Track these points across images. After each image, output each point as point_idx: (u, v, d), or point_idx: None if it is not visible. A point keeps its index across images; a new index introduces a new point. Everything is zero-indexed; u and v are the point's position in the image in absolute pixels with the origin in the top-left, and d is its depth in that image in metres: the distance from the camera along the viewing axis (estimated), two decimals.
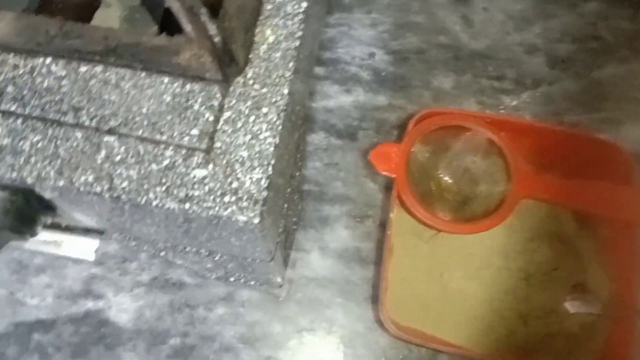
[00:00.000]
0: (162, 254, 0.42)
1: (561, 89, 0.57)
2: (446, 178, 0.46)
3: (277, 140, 0.28)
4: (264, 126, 0.29)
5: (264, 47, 0.30)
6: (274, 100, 0.29)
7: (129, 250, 0.52)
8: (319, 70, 0.57)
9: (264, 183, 0.28)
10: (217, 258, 0.39)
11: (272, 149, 0.28)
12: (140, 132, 0.29)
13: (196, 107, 0.29)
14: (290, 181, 0.39)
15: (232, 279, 0.49)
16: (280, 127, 0.29)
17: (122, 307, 0.50)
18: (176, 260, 0.44)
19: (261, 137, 0.28)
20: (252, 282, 0.49)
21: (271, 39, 0.30)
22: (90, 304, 0.50)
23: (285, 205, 0.39)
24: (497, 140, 0.44)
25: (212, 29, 0.27)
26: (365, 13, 0.60)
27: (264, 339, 0.49)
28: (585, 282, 0.45)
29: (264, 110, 0.29)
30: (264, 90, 0.29)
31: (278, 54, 0.30)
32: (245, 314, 0.50)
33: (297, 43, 0.30)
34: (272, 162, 0.28)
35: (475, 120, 0.45)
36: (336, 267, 0.51)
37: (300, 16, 0.31)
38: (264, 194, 0.27)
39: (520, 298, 0.45)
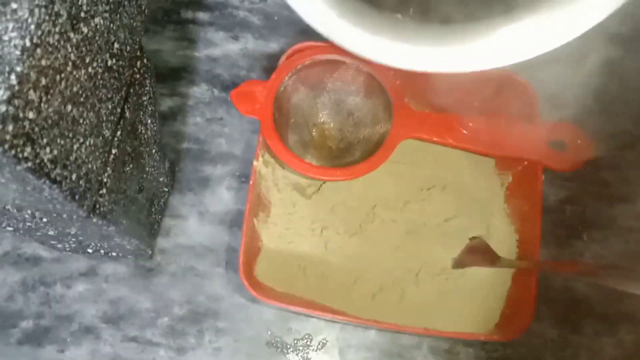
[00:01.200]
0: None
1: None
2: (328, 122, 0.40)
3: (27, 42, 0.22)
4: (10, 25, 0.22)
5: None
6: None
7: None
8: (202, 15, 0.51)
9: (2, 95, 0.21)
10: (29, 215, 0.32)
11: (17, 52, 0.22)
12: None
13: None
14: (114, 121, 0.32)
15: (90, 250, 0.43)
16: (33, 27, 0.22)
17: None
18: (5, 227, 0.37)
19: (5, 38, 0.22)
20: (114, 254, 0.43)
21: None
22: None
23: (114, 152, 0.33)
24: (377, 75, 0.38)
25: None
26: None
27: (130, 317, 0.43)
28: (486, 233, 0.40)
29: (13, 5, 0.22)
30: None
31: None
32: (109, 290, 0.43)
33: None
34: (19, 69, 0.22)
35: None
36: (216, 234, 0.45)
37: None
38: (3, 108, 0.21)
39: (410, 254, 0.39)
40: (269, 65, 0.50)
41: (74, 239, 0.40)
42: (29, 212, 0.32)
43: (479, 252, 0.39)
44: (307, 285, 0.39)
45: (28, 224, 0.36)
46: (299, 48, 0.39)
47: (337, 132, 0.41)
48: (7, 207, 0.32)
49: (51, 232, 0.39)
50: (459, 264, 0.39)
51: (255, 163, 0.39)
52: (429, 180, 0.41)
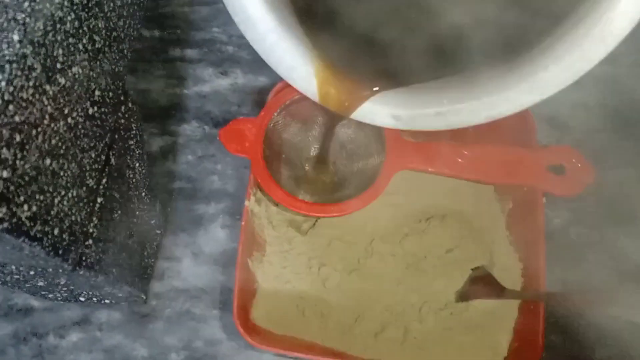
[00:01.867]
0: None
1: None
2: (321, 157, 0.39)
3: None
4: None
5: None
6: None
7: None
8: (191, 52, 0.51)
9: None
10: (15, 270, 0.31)
11: None
12: None
13: None
14: (98, 169, 0.31)
15: (82, 299, 0.41)
16: (3, 83, 0.22)
17: None
18: None
19: None
20: (107, 301, 0.42)
21: None
22: None
23: (100, 201, 0.32)
24: None
25: None
26: None
27: None
28: (489, 263, 0.38)
29: None
30: None
31: None
32: (104, 338, 0.42)
33: None
34: None
35: None
36: (211, 274, 0.44)
37: None
38: None
39: (411, 289, 0.38)
40: (260, 99, 0.49)
41: (64, 289, 0.39)
42: (13, 267, 0.31)
43: (482, 284, 0.38)
44: (306, 327, 0.38)
45: (16, 276, 0.35)
46: (287, 83, 0.38)
47: (331, 165, 0.40)
48: None
49: (40, 283, 0.37)
50: (463, 296, 0.38)
51: (246, 202, 0.38)
52: (426, 211, 0.40)
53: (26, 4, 0.23)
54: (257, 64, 0.51)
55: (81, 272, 0.31)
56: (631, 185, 0.47)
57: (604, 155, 0.48)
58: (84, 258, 0.31)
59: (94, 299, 0.41)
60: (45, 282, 0.37)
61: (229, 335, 0.42)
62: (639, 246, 0.45)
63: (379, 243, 0.39)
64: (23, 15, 0.23)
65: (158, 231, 0.43)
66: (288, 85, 0.36)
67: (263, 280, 0.39)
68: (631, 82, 0.50)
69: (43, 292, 0.40)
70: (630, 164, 0.48)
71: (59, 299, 0.42)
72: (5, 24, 0.22)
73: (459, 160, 0.37)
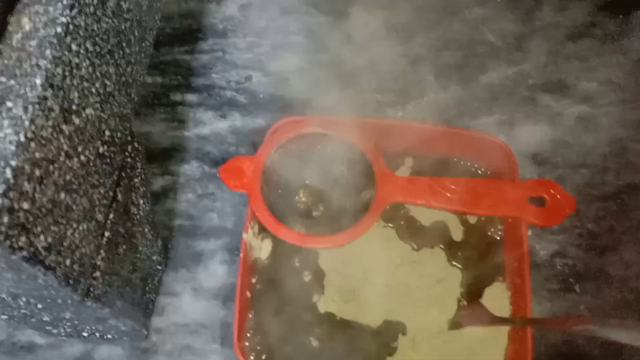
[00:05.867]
0: None
1: (449, 96, 0.54)
2: (314, 192, 0.41)
3: (21, 137, 0.23)
4: (6, 122, 0.23)
5: (18, 36, 0.26)
6: (22, 92, 0.24)
7: None
8: (191, 97, 0.53)
9: None
10: (24, 302, 0.33)
11: (12, 147, 0.23)
12: None
13: None
14: (106, 204, 0.33)
15: (85, 334, 0.42)
16: (27, 123, 0.24)
17: None
18: (1, 315, 0.37)
19: (0, 134, 0.23)
20: (109, 336, 0.43)
21: (27, 27, 0.26)
22: None
23: (107, 235, 0.33)
24: (359, 144, 0.40)
25: None
26: (240, 37, 0.57)
27: None
28: (479, 293, 0.40)
29: (9, 104, 0.24)
30: (12, 82, 0.24)
31: (34, 42, 0.25)
32: None
33: (60, 29, 0.26)
34: (13, 163, 0.23)
35: (337, 126, 0.41)
36: (211, 309, 0.45)
37: (65, 1, 0.26)
38: None
39: (405, 318, 0.39)
40: (257, 139, 0.51)
41: (68, 324, 0.40)
42: (24, 299, 0.33)
43: (473, 312, 0.39)
44: (304, 355, 0.39)
45: (23, 311, 0.37)
46: (283, 123, 0.41)
47: (324, 200, 0.42)
48: (1, 296, 0.33)
49: (46, 318, 0.39)
50: (455, 325, 0.39)
51: (244, 235, 0.40)
52: (418, 241, 0.42)
53: (48, 51, 0.25)
54: (253, 107, 0.53)
55: (88, 303, 0.32)
56: (612, 217, 0.50)
57: (585, 189, 0.51)
58: (91, 289, 0.32)
59: (97, 334, 0.42)
60: (51, 317, 0.38)
61: None
62: (622, 275, 0.47)
63: (373, 274, 0.40)
64: (45, 62, 0.25)
65: (159, 267, 0.45)
66: (284, 125, 0.38)
67: (262, 311, 0.40)
68: (607, 121, 0.53)
69: (48, 327, 0.41)
70: (610, 197, 0.50)
71: (63, 334, 0.43)
72: (29, 70, 0.25)
73: (446, 194, 0.39)
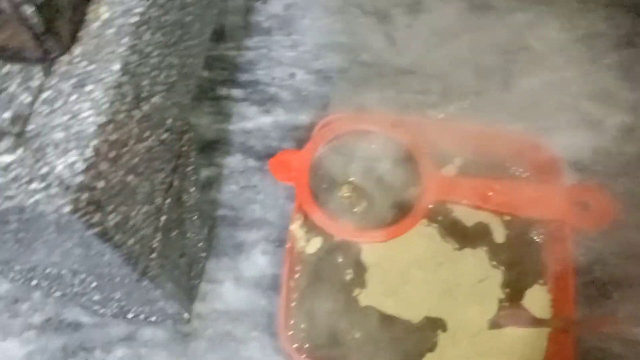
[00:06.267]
0: (34, 282, 0.38)
1: (490, 100, 0.54)
2: (359, 187, 0.42)
3: (101, 119, 0.25)
4: (87, 104, 0.25)
5: (97, 24, 0.27)
6: (101, 76, 0.26)
7: (21, 290, 0.46)
8: (236, 92, 0.55)
9: (79, 166, 0.24)
10: (83, 279, 0.34)
11: (93, 128, 0.24)
12: None
13: (12, 88, 0.25)
14: (164, 189, 0.34)
15: (130, 315, 0.44)
16: (106, 106, 0.25)
17: (8, 354, 0.44)
18: (54, 292, 0.39)
19: (81, 116, 0.25)
20: (154, 318, 0.44)
21: (105, 15, 0.27)
22: None
23: (163, 218, 0.35)
24: (406, 143, 0.41)
25: (30, 5, 0.24)
26: (285, 35, 0.58)
27: None
28: (520, 294, 0.40)
29: (89, 87, 0.25)
30: (92, 67, 0.26)
31: (111, 30, 0.27)
32: (148, 355, 0.44)
33: (136, 19, 0.27)
34: (94, 142, 0.24)
35: (384, 124, 0.42)
36: (252, 298, 0.46)
37: None
38: (79, 178, 0.23)
39: (446, 315, 0.40)
40: (299, 135, 0.53)
41: (116, 304, 0.42)
42: (83, 276, 0.34)
43: (514, 313, 0.39)
44: (346, 347, 0.39)
45: (76, 289, 0.38)
46: (332, 119, 0.42)
47: (367, 197, 0.43)
48: (62, 273, 0.34)
49: (96, 297, 0.40)
50: (495, 324, 0.40)
51: (291, 226, 0.41)
52: (460, 241, 0.42)
53: (124, 39, 0.27)
54: (297, 103, 0.54)
55: (144, 283, 0.34)
56: None
57: (625, 198, 0.50)
58: (147, 270, 0.33)
59: (142, 315, 0.44)
60: (101, 296, 0.40)
61: (267, 357, 0.44)
62: None
63: (415, 270, 0.41)
64: (122, 49, 0.27)
65: (203, 254, 0.46)
66: (333, 122, 0.39)
67: (304, 301, 0.41)
68: None
69: (96, 307, 0.43)
70: None
71: (109, 314, 0.44)
72: (108, 56, 0.26)
73: (492, 194, 0.40)
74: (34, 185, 0.23)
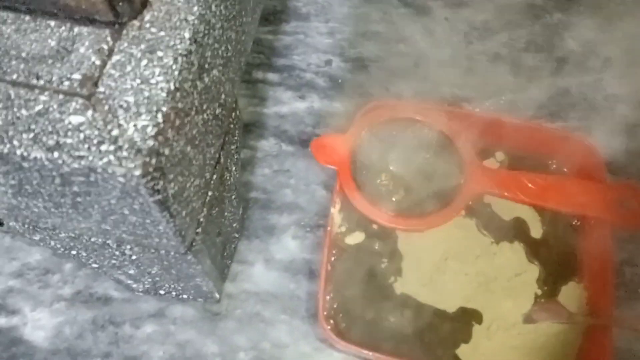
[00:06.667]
0: (74, 252, 0.37)
1: (527, 97, 0.54)
2: (398, 175, 0.42)
3: (171, 85, 0.25)
4: (157, 70, 0.25)
5: None
6: (172, 43, 0.25)
7: (53, 261, 0.46)
8: (272, 76, 0.55)
9: (150, 131, 0.23)
10: (127, 250, 0.34)
11: (164, 94, 0.24)
12: (14, 76, 0.25)
13: (82, 50, 0.25)
14: (212, 165, 0.34)
15: (162, 292, 0.44)
16: (176, 73, 0.25)
17: (38, 324, 0.44)
18: (92, 263, 0.39)
19: (152, 81, 0.25)
20: (185, 296, 0.44)
21: None
22: (2, 321, 0.44)
23: (210, 194, 0.35)
24: (449, 133, 0.40)
25: None
26: (322, 22, 0.58)
27: None
28: (556, 290, 0.40)
29: (159, 53, 0.25)
30: (162, 33, 0.26)
31: None
32: (177, 332, 0.44)
33: None
34: (164, 109, 0.24)
35: (428, 113, 0.41)
36: (281, 281, 0.46)
37: None
38: (150, 143, 0.23)
39: (481, 307, 0.40)
40: (333, 122, 0.52)
41: (149, 280, 0.41)
42: (128, 247, 0.34)
43: (549, 308, 0.39)
44: (381, 332, 0.39)
45: (114, 261, 0.38)
46: (375, 106, 0.42)
47: (405, 185, 0.43)
48: (107, 242, 0.34)
49: (132, 271, 0.40)
50: (529, 319, 0.40)
51: (332, 210, 0.41)
52: (497, 235, 0.42)
53: (195, 7, 0.27)
54: (332, 91, 0.54)
55: (189, 257, 0.34)
56: None
57: None
58: (193, 244, 0.33)
59: (173, 292, 0.44)
60: (137, 270, 0.40)
61: (295, 340, 0.44)
62: None
63: (453, 261, 0.41)
64: (192, 17, 0.26)
65: (236, 235, 0.46)
66: (375, 108, 0.39)
67: (340, 286, 0.41)
68: None
69: (129, 282, 0.43)
70: None
71: (140, 290, 0.44)
72: (178, 23, 0.26)
73: (535, 189, 0.39)
74: (104, 147, 0.23)
